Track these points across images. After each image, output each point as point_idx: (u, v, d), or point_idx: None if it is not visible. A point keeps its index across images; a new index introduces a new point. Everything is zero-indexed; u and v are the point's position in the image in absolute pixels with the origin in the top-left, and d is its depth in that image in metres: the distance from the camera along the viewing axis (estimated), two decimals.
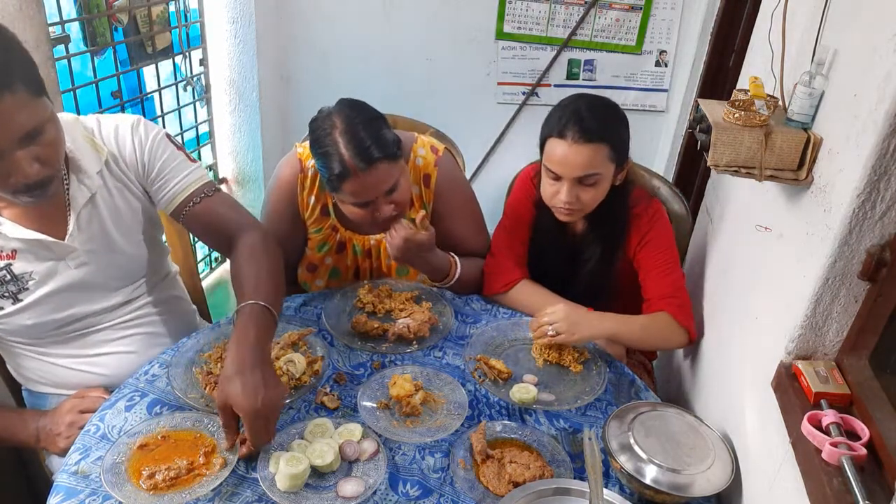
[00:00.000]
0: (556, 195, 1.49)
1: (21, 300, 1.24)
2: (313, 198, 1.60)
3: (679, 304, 1.50)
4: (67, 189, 1.24)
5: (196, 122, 2.38)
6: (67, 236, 1.24)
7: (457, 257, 1.63)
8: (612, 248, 1.58)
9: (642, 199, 1.59)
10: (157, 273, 1.47)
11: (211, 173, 2.53)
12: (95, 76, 1.84)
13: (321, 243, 1.65)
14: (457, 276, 1.61)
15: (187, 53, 2.24)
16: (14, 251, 1.22)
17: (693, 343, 1.52)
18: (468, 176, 2.52)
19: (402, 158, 1.46)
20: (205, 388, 1.26)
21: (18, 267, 1.22)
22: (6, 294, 1.23)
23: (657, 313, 1.49)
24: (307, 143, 1.50)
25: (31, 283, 1.24)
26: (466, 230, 1.69)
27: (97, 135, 1.30)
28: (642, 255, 1.56)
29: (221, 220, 1.38)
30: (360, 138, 1.37)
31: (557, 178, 1.47)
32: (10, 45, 1.03)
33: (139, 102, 2.07)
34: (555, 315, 1.41)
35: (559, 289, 1.62)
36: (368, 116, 1.42)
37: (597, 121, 1.43)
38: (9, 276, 1.22)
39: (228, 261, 1.45)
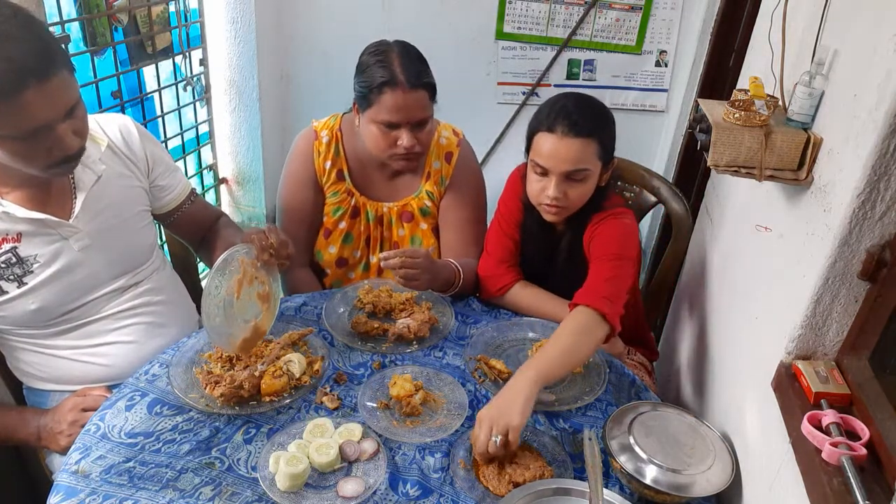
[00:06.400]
0: (542, 192, 1.45)
1: (26, 283, 1.25)
2: (329, 162, 1.71)
3: (603, 295, 1.36)
4: (72, 173, 1.29)
5: (196, 122, 2.37)
6: (73, 217, 1.28)
7: (457, 263, 1.63)
8: (579, 237, 1.54)
9: (618, 204, 1.57)
10: (156, 261, 1.50)
11: (211, 173, 2.53)
12: (95, 76, 1.84)
13: (336, 207, 1.74)
14: (460, 283, 1.61)
15: (187, 53, 2.24)
16: (19, 234, 1.24)
17: (615, 335, 1.42)
18: None
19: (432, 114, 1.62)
20: (205, 388, 1.27)
21: (24, 250, 1.24)
22: (11, 277, 1.24)
23: (573, 312, 1.36)
24: (321, 119, 1.73)
25: (35, 266, 1.25)
26: (468, 219, 1.77)
27: (96, 129, 1.34)
28: (592, 246, 1.49)
29: (201, 220, 1.61)
30: (414, 63, 1.55)
31: (545, 173, 1.44)
32: (47, 29, 1.14)
33: (139, 102, 2.07)
34: (480, 427, 1.15)
35: (538, 284, 1.61)
36: (422, 57, 1.59)
37: (586, 117, 1.42)
38: (14, 259, 1.24)
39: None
